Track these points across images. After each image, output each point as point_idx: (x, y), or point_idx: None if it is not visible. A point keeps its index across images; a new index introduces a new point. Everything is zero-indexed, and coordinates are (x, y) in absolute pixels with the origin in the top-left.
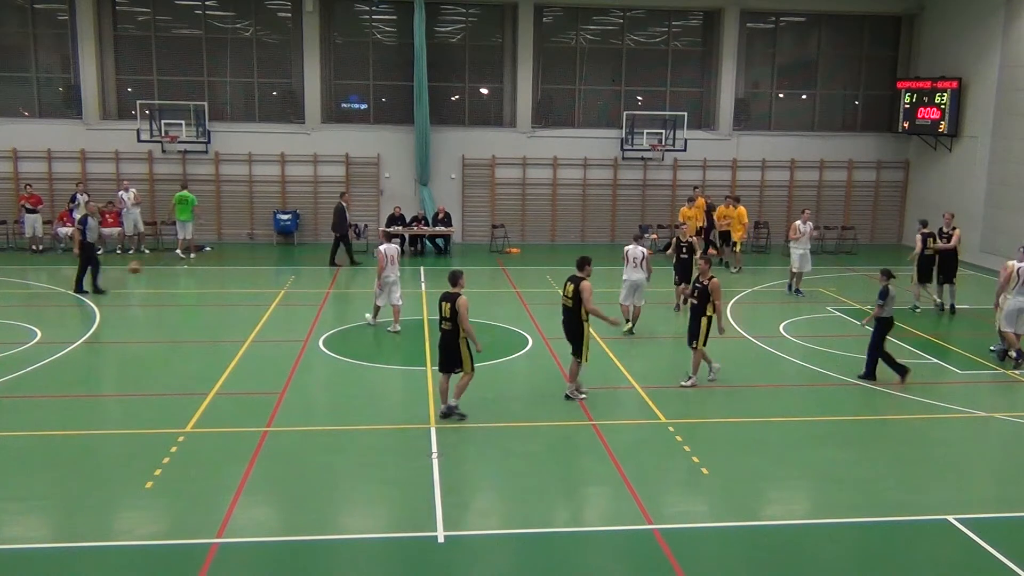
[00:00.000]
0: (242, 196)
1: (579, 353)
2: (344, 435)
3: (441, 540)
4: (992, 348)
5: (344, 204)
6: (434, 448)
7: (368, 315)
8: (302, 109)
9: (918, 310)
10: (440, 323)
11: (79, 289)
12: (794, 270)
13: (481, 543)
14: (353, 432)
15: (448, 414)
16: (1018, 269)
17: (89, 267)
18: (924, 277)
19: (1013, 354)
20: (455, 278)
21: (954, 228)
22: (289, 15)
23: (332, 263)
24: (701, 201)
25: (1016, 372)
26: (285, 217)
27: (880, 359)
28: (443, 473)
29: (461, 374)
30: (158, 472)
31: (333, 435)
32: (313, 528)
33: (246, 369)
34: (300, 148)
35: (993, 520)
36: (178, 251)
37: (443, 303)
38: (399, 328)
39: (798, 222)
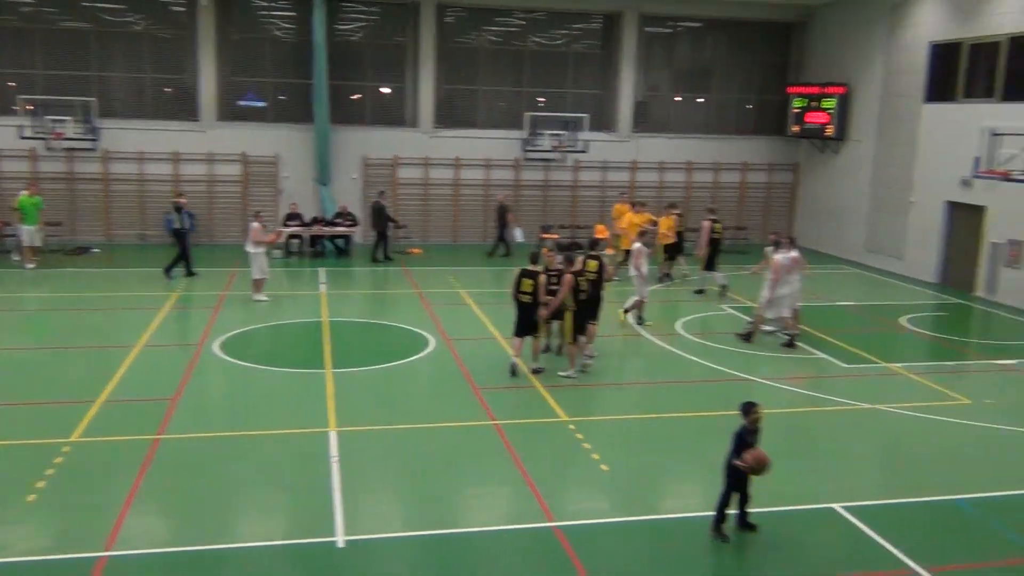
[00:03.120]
0: (132, 196)
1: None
2: (240, 441)
3: (341, 545)
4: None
5: (383, 203)
6: (334, 452)
7: (256, 297)
8: (196, 106)
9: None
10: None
11: (189, 272)
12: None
13: (382, 546)
14: (250, 438)
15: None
16: (782, 260)
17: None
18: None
19: (768, 329)
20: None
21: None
22: (183, 9)
23: (384, 258)
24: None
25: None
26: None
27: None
28: (343, 477)
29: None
30: (41, 484)
31: (229, 441)
32: (208, 537)
33: (136, 375)
34: (194, 146)
35: (876, 507)
36: (16, 257)
37: (589, 259)
38: (265, 298)
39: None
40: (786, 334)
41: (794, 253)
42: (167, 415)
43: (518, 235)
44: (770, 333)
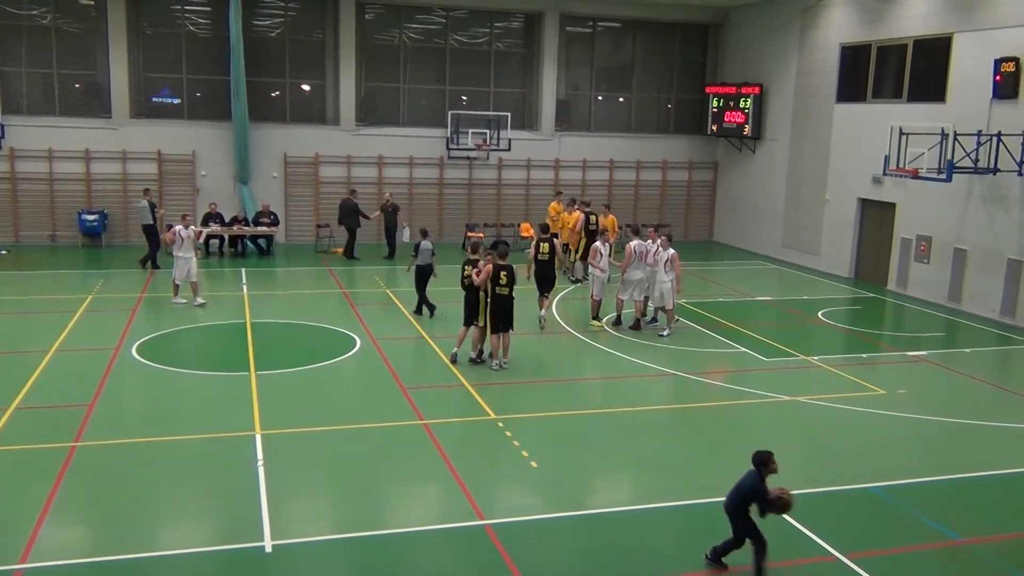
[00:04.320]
0: (42, 195)
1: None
2: (161, 446)
3: (269, 550)
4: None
5: (355, 200)
6: (260, 455)
7: (175, 300)
8: (108, 103)
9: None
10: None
11: (154, 266)
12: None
13: (311, 550)
14: (171, 443)
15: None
16: (634, 247)
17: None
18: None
19: (620, 318)
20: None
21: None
22: (92, 2)
23: (350, 256)
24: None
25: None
26: (91, 217)
27: (421, 299)
28: (270, 481)
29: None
30: None
31: (150, 447)
32: (129, 546)
33: (51, 380)
34: (107, 144)
35: (799, 496)
36: None
37: (542, 241)
38: (203, 301)
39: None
40: (635, 321)
41: (666, 251)
42: (83, 421)
43: (406, 235)
44: (652, 321)
